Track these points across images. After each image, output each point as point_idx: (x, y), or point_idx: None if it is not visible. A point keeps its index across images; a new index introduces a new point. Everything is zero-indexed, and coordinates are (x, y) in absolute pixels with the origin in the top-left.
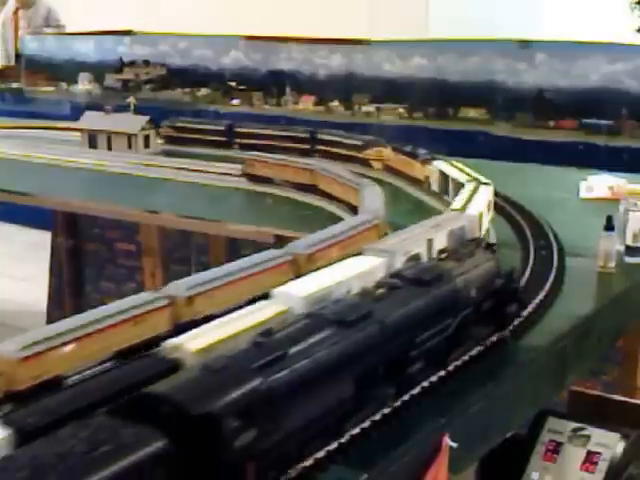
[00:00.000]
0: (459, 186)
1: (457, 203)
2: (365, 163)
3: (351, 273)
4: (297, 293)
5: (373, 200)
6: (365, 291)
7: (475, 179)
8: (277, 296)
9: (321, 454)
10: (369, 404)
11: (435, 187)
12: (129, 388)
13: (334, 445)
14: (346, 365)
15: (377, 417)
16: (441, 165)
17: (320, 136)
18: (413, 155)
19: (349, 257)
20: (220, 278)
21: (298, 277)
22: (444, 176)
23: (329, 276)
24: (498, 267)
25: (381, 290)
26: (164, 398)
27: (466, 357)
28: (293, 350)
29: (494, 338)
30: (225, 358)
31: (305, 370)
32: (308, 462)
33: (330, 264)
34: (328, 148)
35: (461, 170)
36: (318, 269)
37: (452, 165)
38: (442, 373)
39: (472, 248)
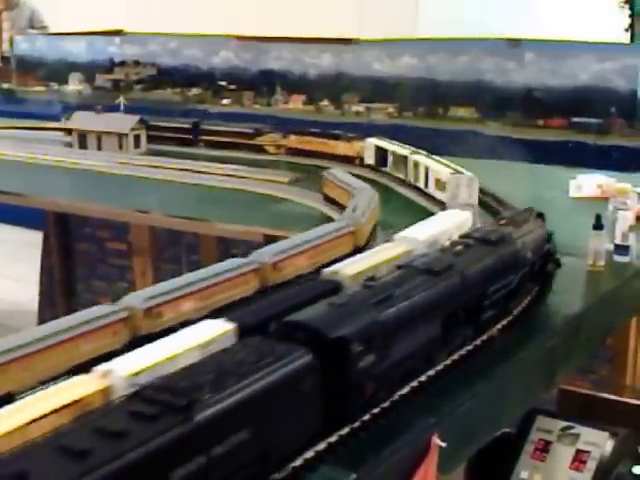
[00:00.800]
0: (400, 158)
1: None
2: (260, 149)
3: (451, 224)
4: (418, 237)
5: (361, 205)
6: (445, 248)
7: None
8: (401, 239)
9: (310, 454)
10: (453, 342)
11: (370, 161)
12: (304, 303)
13: (323, 445)
14: (436, 308)
15: (366, 417)
16: (375, 141)
17: (207, 127)
18: (335, 136)
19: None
20: (180, 288)
21: (264, 286)
22: (381, 150)
23: (435, 225)
24: (546, 233)
25: (458, 247)
26: (306, 324)
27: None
28: (397, 292)
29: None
30: (345, 296)
31: (407, 309)
32: (297, 462)
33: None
34: (215, 138)
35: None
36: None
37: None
38: (432, 372)
39: (526, 216)
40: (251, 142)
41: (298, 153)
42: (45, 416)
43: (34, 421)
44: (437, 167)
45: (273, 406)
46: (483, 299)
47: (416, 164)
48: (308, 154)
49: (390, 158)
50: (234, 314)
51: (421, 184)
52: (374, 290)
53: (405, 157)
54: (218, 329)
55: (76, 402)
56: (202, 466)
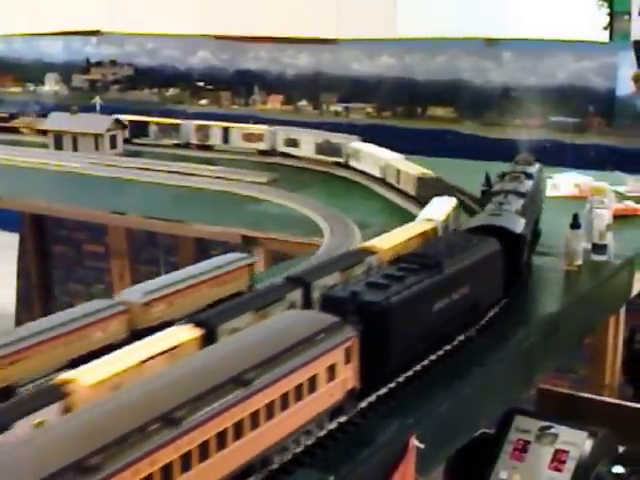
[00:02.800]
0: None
1: None
2: (16, 131)
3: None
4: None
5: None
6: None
7: None
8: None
9: (287, 457)
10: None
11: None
12: None
13: (300, 448)
14: (468, 277)
15: (343, 419)
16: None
17: None
18: None
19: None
20: (31, 337)
21: (133, 332)
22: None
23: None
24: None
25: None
26: (497, 226)
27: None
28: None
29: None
30: (413, 256)
31: (453, 274)
32: (274, 465)
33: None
34: None
35: None
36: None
37: None
38: (410, 373)
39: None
40: (7, 125)
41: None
42: (155, 356)
43: (150, 359)
44: None
45: (479, 273)
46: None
47: None
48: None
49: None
50: None
51: None
52: (422, 257)
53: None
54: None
55: (176, 347)
56: (445, 306)
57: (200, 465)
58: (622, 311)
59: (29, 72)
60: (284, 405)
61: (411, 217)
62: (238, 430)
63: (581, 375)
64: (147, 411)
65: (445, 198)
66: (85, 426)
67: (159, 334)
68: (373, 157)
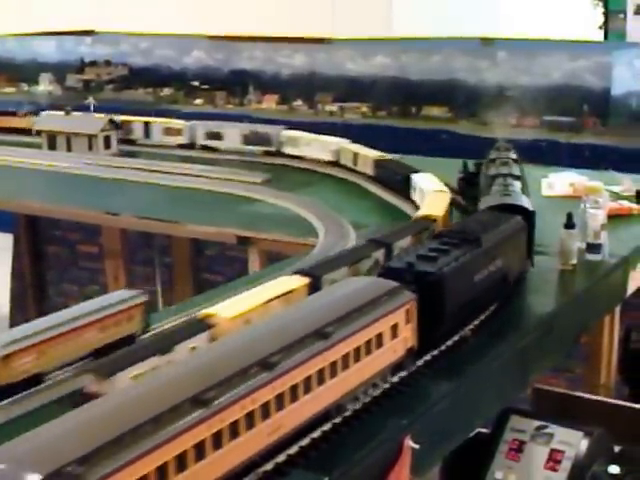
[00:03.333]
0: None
1: None
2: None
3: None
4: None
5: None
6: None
7: None
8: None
9: (282, 458)
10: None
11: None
12: None
13: (295, 449)
14: (501, 251)
15: (337, 420)
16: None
17: None
18: (11, 113)
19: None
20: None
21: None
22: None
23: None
24: None
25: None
26: (519, 206)
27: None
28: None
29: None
30: (453, 232)
31: (490, 248)
32: (269, 466)
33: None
34: None
35: None
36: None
37: None
38: (404, 373)
39: None
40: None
41: None
42: (275, 298)
43: (271, 300)
44: None
45: (509, 247)
46: None
47: None
48: None
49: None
50: None
51: None
52: (462, 232)
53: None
54: None
55: (290, 291)
56: (483, 277)
57: (292, 405)
58: (617, 310)
59: (23, 72)
60: (356, 358)
61: (405, 216)
62: (320, 377)
63: (577, 374)
64: (247, 356)
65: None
66: (206, 363)
67: (272, 282)
68: (320, 142)
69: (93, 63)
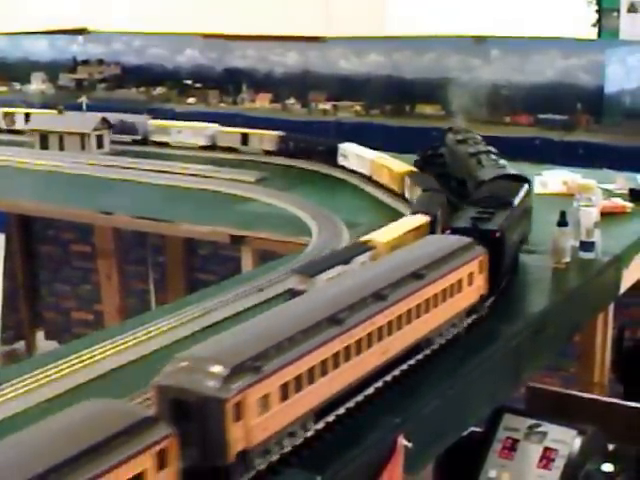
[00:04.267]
0: None
1: None
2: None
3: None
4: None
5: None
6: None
7: None
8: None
9: (275, 457)
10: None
11: None
12: None
13: (288, 448)
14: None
15: (330, 418)
16: None
17: None
18: None
19: None
20: None
21: None
22: None
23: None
24: None
25: None
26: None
27: None
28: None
29: None
30: (485, 198)
31: (519, 209)
32: (262, 465)
33: None
34: None
35: None
36: None
37: None
38: (397, 372)
39: None
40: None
41: None
42: (411, 230)
43: (409, 231)
44: None
45: (526, 209)
46: None
47: None
48: None
49: None
50: None
51: None
52: (493, 200)
53: None
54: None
55: (419, 227)
56: (515, 235)
57: (394, 334)
58: (611, 309)
59: (15, 71)
60: (443, 298)
61: (399, 215)
62: (417, 312)
63: (570, 373)
64: (363, 291)
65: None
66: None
67: (402, 220)
68: (193, 127)
69: (85, 62)
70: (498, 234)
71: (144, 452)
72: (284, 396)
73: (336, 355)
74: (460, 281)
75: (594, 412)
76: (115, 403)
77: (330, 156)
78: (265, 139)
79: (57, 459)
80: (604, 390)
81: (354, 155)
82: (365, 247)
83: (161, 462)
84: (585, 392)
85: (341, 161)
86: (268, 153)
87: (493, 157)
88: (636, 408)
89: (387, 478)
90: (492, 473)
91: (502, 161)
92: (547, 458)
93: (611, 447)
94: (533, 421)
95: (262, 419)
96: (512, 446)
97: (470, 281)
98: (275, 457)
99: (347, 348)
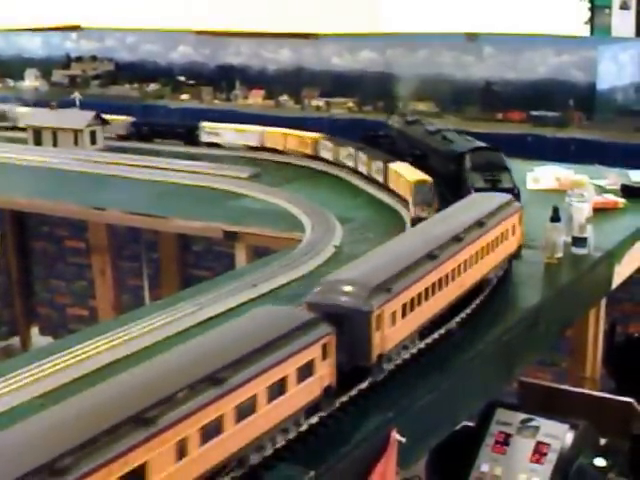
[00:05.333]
0: None
1: None
2: None
3: None
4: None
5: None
6: None
7: None
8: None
9: (268, 452)
10: None
11: None
12: None
13: (281, 443)
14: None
15: (324, 413)
16: None
17: None
18: None
19: None
20: None
21: None
22: None
23: None
24: None
25: None
26: None
27: None
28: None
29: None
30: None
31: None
32: (255, 460)
33: None
34: None
35: None
36: None
37: None
38: (391, 366)
39: None
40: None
41: None
42: None
43: None
44: None
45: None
46: None
47: None
48: None
49: None
50: None
51: None
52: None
53: None
54: None
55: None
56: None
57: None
58: (603, 304)
59: (8, 68)
60: (501, 239)
61: (394, 211)
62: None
63: (562, 368)
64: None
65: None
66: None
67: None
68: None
69: (79, 59)
70: (516, 190)
71: (313, 344)
72: (405, 313)
73: (432, 286)
74: (506, 231)
75: (586, 407)
76: (286, 309)
77: (190, 135)
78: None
79: (254, 345)
80: (596, 385)
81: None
82: None
83: (324, 353)
84: (577, 387)
85: (207, 138)
86: (122, 138)
87: (456, 134)
88: (627, 403)
89: (381, 472)
90: (485, 467)
91: (467, 136)
92: (539, 452)
93: (603, 441)
94: (525, 416)
95: (392, 330)
96: (504, 440)
97: (513, 231)
98: (269, 452)
99: (440, 280)
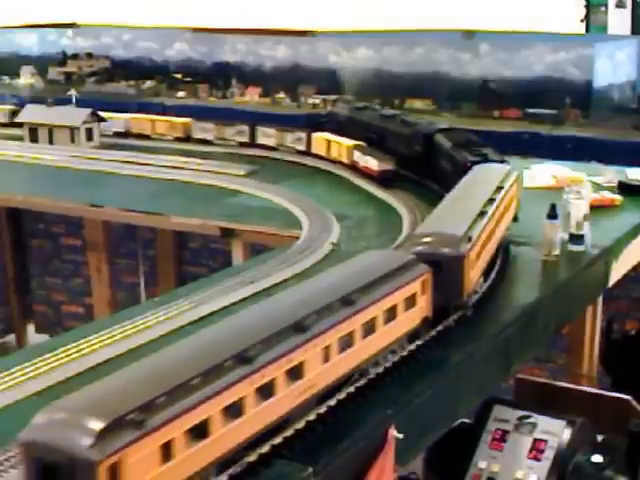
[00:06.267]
0: None
1: None
2: None
3: None
4: None
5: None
6: None
7: None
8: None
9: (266, 448)
10: None
11: None
12: None
13: (279, 439)
14: None
15: (322, 410)
16: None
17: None
18: None
19: None
20: None
21: None
22: None
23: None
24: None
25: None
26: None
27: None
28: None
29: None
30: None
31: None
32: (252, 457)
33: None
34: None
35: None
36: None
37: None
38: (389, 364)
39: None
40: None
41: None
42: None
43: None
44: None
45: None
46: None
47: None
48: None
49: None
50: None
51: None
52: None
53: None
54: None
55: None
56: None
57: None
58: (600, 301)
59: (4, 65)
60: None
61: (390, 208)
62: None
63: (559, 365)
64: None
65: None
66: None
67: None
68: None
69: (75, 56)
70: (507, 163)
71: (416, 280)
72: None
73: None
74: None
75: (583, 404)
76: (391, 252)
77: None
78: None
79: (366, 281)
80: (592, 382)
81: None
82: None
83: (423, 289)
84: (574, 384)
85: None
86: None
87: (414, 118)
88: (624, 400)
89: (378, 469)
90: (482, 464)
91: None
92: (537, 449)
93: (600, 438)
94: (523, 412)
95: (473, 272)
96: (502, 437)
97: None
98: (266, 448)
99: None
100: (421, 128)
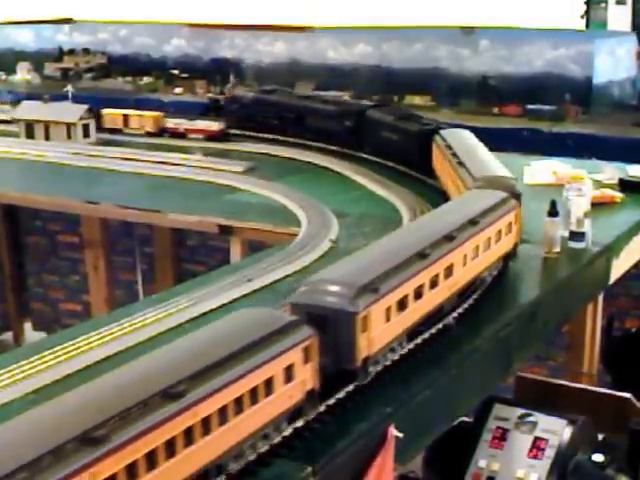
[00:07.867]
0: None
1: None
2: None
3: None
4: None
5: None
6: None
7: None
8: None
9: (264, 448)
10: None
11: None
12: None
13: (278, 439)
14: None
15: (321, 408)
16: None
17: None
18: None
19: None
20: None
21: None
22: None
23: None
24: None
25: None
26: None
27: None
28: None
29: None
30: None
31: None
32: (251, 457)
33: None
34: None
35: None
36: None
37: None
38: (388, 362)
39: None
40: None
41: None
42: None
43: None
44: None
45: None
46: None
47: None
48: None
49: None
50: None
51: None
52: None
53: None
54: None
55: None
56: None
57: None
58: (600, 299)
59: (0, 61)
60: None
61: (389, 205)
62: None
63: (560, 363)
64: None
65: None
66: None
67: None
68: None
69: (71, 52)
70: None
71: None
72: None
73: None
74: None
75: (584, 402)
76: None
77: None
78: None
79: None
80: (593, 380)
81: None
82: None
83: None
84: (574, 382)
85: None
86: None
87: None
88: (624, 398)
89: (378, 468)
90: (482, 463)
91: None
92: (537, 448)
93: (600, 437)
94: (523, 411)
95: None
96: (502, 436)
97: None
98: (264, 448)
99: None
100: (351, 106)
